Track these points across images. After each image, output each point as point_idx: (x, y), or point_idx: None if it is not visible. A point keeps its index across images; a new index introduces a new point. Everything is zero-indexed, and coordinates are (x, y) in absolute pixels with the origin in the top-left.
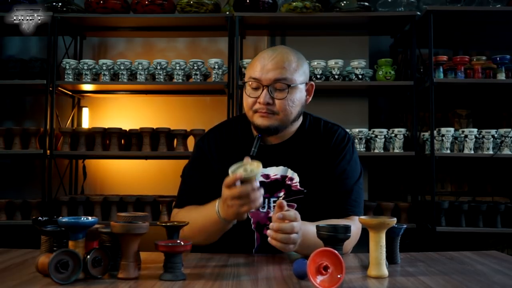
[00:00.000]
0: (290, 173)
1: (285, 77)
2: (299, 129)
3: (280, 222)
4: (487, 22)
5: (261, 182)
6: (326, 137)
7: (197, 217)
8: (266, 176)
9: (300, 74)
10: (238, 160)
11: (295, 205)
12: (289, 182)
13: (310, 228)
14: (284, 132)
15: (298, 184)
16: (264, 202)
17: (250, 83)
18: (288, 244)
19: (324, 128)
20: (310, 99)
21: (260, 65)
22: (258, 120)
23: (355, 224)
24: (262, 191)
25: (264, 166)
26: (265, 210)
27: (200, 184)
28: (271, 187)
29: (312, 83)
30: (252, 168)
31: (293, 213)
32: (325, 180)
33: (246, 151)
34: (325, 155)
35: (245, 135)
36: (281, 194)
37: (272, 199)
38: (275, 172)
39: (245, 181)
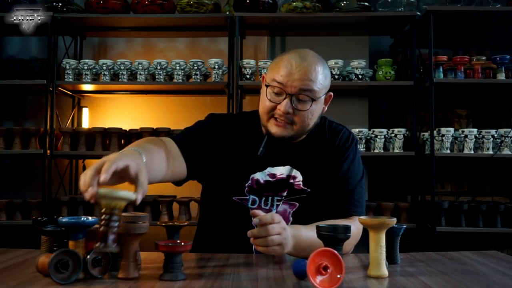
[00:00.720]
0: (294, 172)
1: (310, 89)
2: None
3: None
4: (487, 22)
5: (266, 181)
6: (330, 137)
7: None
8: (273, 175)
9: (325, 86)
10: (240, 153)
11: (297, 204)
12: (292, 181)
13: (303, 231)
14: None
15: (301, 183)
16: (267, 201)
17: (272, 87)
18: (270, 246)
19: (329, 128)
20: (326, 108)
21: (286, 71)
22: (273, 128)
23: (356, 225)
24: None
25: (271, 166)
26: (267, 208)
27: (193, 142)
28: (276, 186)
29: (331, 93)
30: (116, 203)
31: (270, 216)
32: (328, 180)
33: (251, 147)
34: (329, 155)
35: (253, 131)
36: (285, 193)
37: (276, 198)
38: (281, 171)
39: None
